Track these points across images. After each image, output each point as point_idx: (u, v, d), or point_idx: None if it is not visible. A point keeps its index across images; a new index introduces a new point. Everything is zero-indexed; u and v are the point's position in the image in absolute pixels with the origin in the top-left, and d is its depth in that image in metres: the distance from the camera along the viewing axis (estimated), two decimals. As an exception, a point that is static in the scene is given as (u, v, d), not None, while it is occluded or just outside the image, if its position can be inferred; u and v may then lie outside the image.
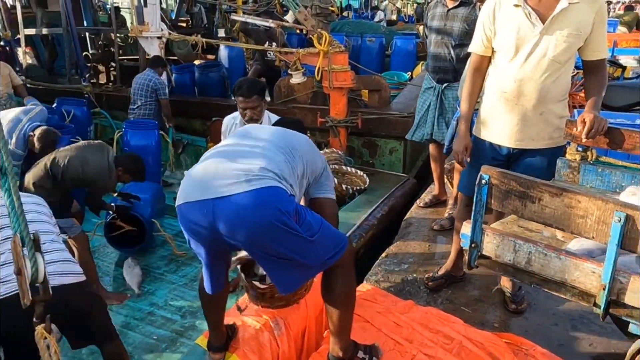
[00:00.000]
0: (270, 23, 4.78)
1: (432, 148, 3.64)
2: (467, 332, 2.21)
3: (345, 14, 12.79)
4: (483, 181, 1.51)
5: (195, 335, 2.70)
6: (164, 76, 5.56)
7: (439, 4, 3.37)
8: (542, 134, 2.18)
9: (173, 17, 9.69)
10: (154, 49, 5.64)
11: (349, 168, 4.39)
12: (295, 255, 1.68)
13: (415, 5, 13.01)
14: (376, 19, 11.48)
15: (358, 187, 4.13)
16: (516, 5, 2.06)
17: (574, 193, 1.35)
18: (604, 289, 1.29)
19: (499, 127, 2.24)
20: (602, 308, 1.31)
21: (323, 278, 1.88)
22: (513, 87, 2.13)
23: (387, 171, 4.89)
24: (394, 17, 11.72)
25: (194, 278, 3.60)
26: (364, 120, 4.72)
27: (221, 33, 8.08)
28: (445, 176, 3.75)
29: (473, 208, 1.55)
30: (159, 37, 5.66)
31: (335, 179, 3.99)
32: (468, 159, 2.35)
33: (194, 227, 1.71)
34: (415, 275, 2.81)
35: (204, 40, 5.29)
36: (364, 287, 2.59)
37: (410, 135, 3.72)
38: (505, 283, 2.55)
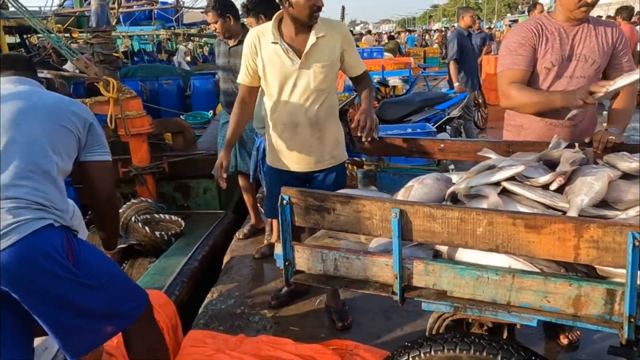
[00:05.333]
0: (46, 74, 4.36)
1: (240, 180, 3.71)
2: (297, 350, 2.28)
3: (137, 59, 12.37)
4: (284, 201, 1.59)
5: None
6: None
7: (221, 42, 3.50)
8: (324, 155, 2.38)
9: None
10: None
11: (162, 215, 4.20)
12: (75, 305, 1.52)
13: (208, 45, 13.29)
14: (175, 64, 11.39)
15: (174, 232, 3.98)
16: (274, 42, 2.22)
17: (359, 198, 1.51)
18: (396, 278, 1.47)
19: (287, 155, 2.38)
20: (398, 294, 1.48)
21: (124, 341, 1.74)
22: (289, 119, 2.29)
23: (204, 211, 4.82)
24: (188, 58, 11.74)
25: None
26: (171, 164, 4.59)
27: (-12, 90, 7.05)
28: (259, 205, 3.85)
29: (280, 228, 1.61)
30: None
31: (147, 228, 3.79)
32: (225, 175, 2.29)
33: None
34: (243, 307, 2.80)
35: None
36: (191, 335, 2.49)
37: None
38: (330, 302, 2.69)
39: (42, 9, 8.65)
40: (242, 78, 2.37)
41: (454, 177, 1.82)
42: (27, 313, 1.61)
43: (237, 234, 3.86)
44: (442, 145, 2.17)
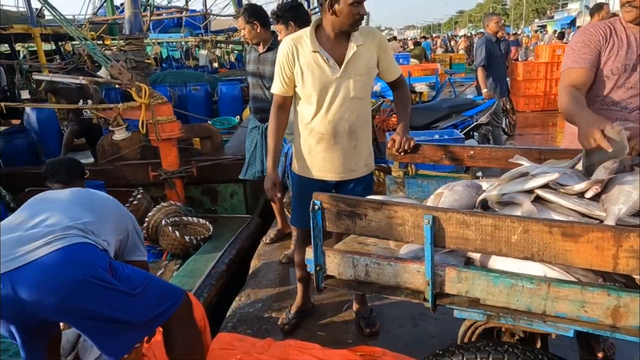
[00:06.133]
0: (81, 80, 4.49)
1: (268, 185, 3.75)
2: (324, 355, 2.28)
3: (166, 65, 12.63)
4: (316, 207, 1.60)
5: None
6: None
7: (252, 49, 3.56)
8: (359, 164, 2.39)
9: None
10: None
11: (190, 218, 4.27)
12: (117, 313, 1.59)
13: (235, 52, 13.49)
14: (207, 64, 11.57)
15: (202, 236, 4.04)
16: (314, 51, 2.20)
17: (391, 204, 1.51)
18: (428, 284, 1.46)
19: (321, 165, 2.36)
20: (430, 301, 1.47)
21: (163, 336, 1.80)
22: (329, 128, 2.28)
23: (230, 215, 4.88)
24: (215, 64, 11.91)
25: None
26: (199, 168, 4.67)
27: (25, 95, 7.32)
28: (285, 209, 3.87)
29: (312, 233, 1.62)
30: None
31: (177, 232, 3.85)
32: (278, 195, 2.37)
33: None
34: (270, 311, 2.82)
35: (2, 104, 4.74)
36: (220, 337, 2.52)
37: (243, 174, 3.80)
38: (358, 308, 2.68)
39: (76, 17, 8.93)
40: (278, 88, 2.32)
41: (484, 184, 1.80)
42: (39, 330, 1.73)
43: (264, 239, 3.89)
44: (472, 152, 2.15)
